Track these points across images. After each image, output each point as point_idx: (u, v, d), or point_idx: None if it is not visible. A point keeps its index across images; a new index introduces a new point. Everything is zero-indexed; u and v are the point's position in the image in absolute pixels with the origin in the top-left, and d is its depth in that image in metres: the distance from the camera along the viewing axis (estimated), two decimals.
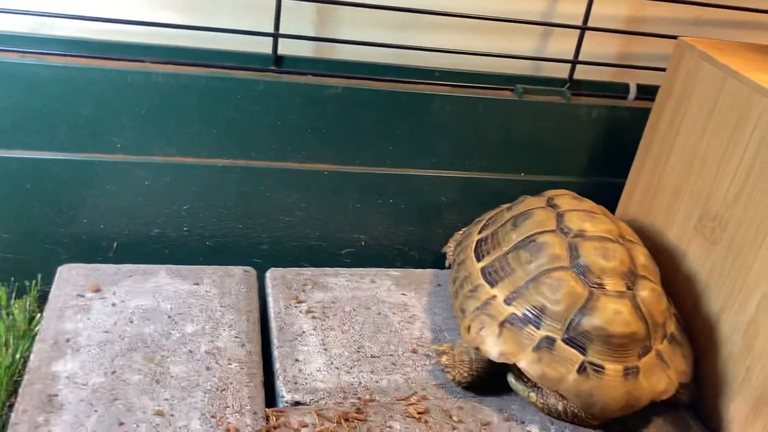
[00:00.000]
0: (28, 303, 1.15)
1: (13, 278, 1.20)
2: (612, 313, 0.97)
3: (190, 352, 1.02)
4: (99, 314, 1.06)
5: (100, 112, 1.15)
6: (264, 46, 1.20)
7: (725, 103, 1.07)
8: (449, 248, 1.33)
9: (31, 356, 0.98)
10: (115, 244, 1.24)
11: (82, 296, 1.09)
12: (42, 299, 1.20)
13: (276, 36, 1.18)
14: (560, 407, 0.99)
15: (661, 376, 1.00)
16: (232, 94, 1.18)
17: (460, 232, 1.32)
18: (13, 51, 1.11)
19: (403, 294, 1.22)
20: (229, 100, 1.19)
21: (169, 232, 1.25)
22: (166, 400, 0.94)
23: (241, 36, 1.18)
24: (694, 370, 1.06)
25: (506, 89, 1.32)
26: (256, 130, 1.22)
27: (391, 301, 1.20)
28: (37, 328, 1.09)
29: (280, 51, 1.20)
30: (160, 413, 0.92)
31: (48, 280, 1.19)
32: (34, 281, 1.19)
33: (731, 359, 1.03)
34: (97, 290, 1.10)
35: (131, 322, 1.06)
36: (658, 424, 1.04)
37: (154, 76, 1.14)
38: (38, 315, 1.13)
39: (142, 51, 1.15)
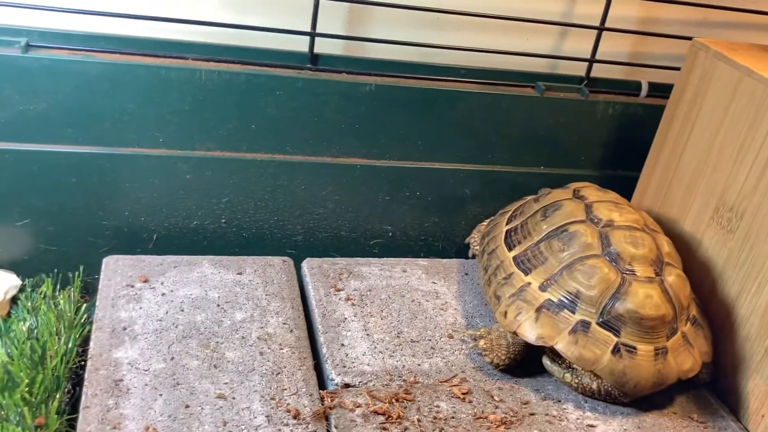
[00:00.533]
0: (72, 293, 1.18)
1: (56, 269, 1.23)
2: (643, 297, 1.04)
3: (243, 338, 1.07)
4: (150, 303, 1.10)
5: (144, 108, 1.18)
6: (298, 44, 1.24)
7: (741, 100, 1.14)
8: (473, 239, 1.38)
9: (91, 344, 1.01)
10: (155, 236, 1.27)
11: (132, 286, 1.13)
12: (85, 290, 1.23)
13: (313, 35, 1.23)
14: (594, 386, 1.05)
15: (687, 356, 1.07)
16: (271, 90, 1.22)
17: (484, 223, 1.38)
18: (62, 48, 1.14)
19: (434, 282, 1.28)
20: (268, 96, 1.23)
21: (208, 224, 1.29)
22: (226, 383, 0.98)
23: (275, 34, 1.22)
24: (714, 351, 1.14)
25: (527, 86, 1.38)
26: (293, 125, 1.26)
27: (424, 289, 1.25)
28: (83, 318, 1.13)
29: (316, 50, 1.25)
30: (221, 396, 0.96)
31: (89, 271, 1.23)
32: (76, 272, 1.22)
33: (749, 340, 1.10)
34: (146, 280, 1.14)
35: (182, 310, 1.10)
36: (681, 401, 1.11)
37: (197, 72, 1.18)
38: (83, 305, 1.16)
39: (185, 48, 1.19)
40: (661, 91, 1.41)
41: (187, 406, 0.94)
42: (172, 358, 1.01)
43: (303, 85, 1.23)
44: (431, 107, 1.31)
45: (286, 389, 0.99)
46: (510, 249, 1.19)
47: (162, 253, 1.23)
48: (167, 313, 1.09)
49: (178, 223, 1.27)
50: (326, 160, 1.30)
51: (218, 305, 1.12)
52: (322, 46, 1.26)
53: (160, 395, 0.95)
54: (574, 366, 1.06)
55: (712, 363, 1.13)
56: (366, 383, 1.04)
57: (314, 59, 1.25)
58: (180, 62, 1.18)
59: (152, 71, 1.17)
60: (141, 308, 1.09)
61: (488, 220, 1.36)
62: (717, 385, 1.15)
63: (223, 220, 1.30)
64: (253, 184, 1.28)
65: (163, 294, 1.12)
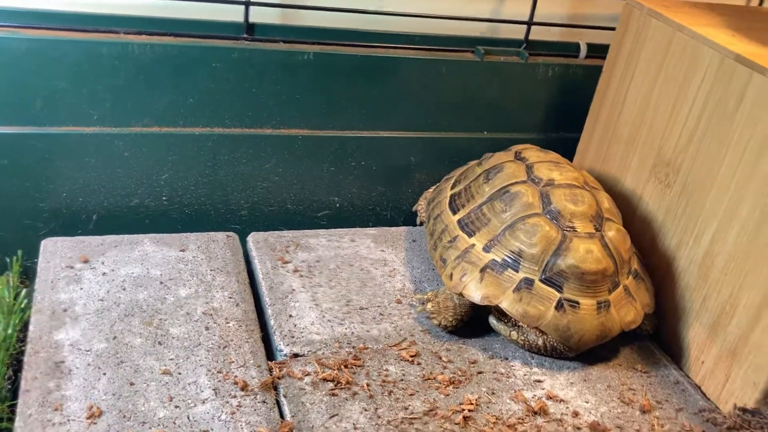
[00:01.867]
0: (10, 279, 1.15)
1: None
2: (584, 253, 1.06)
3: (188, 314, 1.05)
4: (91, 284, 1.08)
5: (76, 85, 1.15)
6: (232, 14, 1.22)
7: (674, 56, 1.16)
8: (420, 206, 1.39)
9: (30, 327, 0.99)
10: (94, 217, 1.25)
11: (72, 267, 1.10)
12: (24, 275, 1.20)
13: (248, 4, 1.20)
14: (540, 342, 1.07)
15: (629, 308, 1.10)
16: (207, 62, 1.20)
17: (430, 190, 1.38)
18: None
19: (382, 251, 1.28)
20: (204, 68, 1.21)
21: (149, 202, 1.27)
22: (171, 359, 0.97)
23: (209, 4, 1.20)
24: (656, 302, 1.16)
25: (467, 51, 1.38)
26: (231, 97, 1.24)
27: (372, 258, 1.25)
28: (23, 303, 1.10)
29: (252, 19, 1.22)
30: (167, 372, 0.95)
31: (28, 255, 1.20)
32: (14, 257, 1.19)
33: (688, 290, 1.13)
34: (86, 261, 1.12)
35: (124, 289, 1.08)
36: (625, 353, 1.14)
37: (130, 46, 1.15)
38: (23, 290, 1.13)
39: (115, 22, 1.16)
40: (600, 51, 1.42)
41: (131, 384, 0.92)
42: (115, 337, 0.99)
43: (239, 56, 1.21)
44: (372, 75, 1.31)
45: (233, 362, 0.99)
46: (454, 213, 1.19)
47: (102, 233, 1.20)
48: (108, 292, 1.07)
49: (117, 202, 1.25)
50: (267, 132, 1.29)
51: (161, 282, 1.10)
52: (258, 16, 1.23)
53: (104, 374, 0.93)
54: (520, 323, 1.08)
55: (654, 314, 1.16)
56: (315, 352, 1.04)
57: (250, 29, 1.23)
58: (111, 36, 1.15)
59: (82, 47, 1.13)
60: (81, 289, 1.06)
61: (434, 187, 1.37)
62: (659, 335, 1.18)
63: (164, 198, 1.27)
64: (193, 159, 1.26)
65: (104, 274, 1.10)
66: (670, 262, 1.17)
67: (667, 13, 1.19)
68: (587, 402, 1.02)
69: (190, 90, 1.21)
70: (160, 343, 1.00)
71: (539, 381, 1.05)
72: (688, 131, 1.13)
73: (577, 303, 1.05)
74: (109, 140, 1.20)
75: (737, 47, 1.07)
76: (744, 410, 1.01)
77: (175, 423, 0.88)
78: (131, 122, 1.20)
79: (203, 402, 0.91)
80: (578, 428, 0.97)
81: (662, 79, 1.19)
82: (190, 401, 0.91)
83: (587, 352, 1.10)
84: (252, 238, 1.25)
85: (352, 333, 1.08)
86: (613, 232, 1.10)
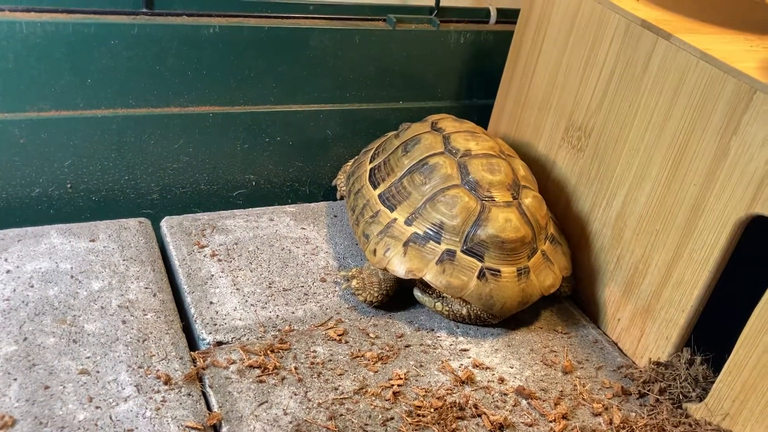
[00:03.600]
0: None
1: None
2: (503, 222, 1.07)
3: (102, 308, 1.01)
4: None
5: None
6: None
7: (583, 22, 1.18)
8: (339, 180, 1.37)
9: None
10: None
11: None
12: None
13: None
14: (464, 311, 1.09)
15: (548, 272, 1.12)
16: (104, 40, 1.13)
17: (349, 163, 1.36)
18: None
19: (303, 228, 1.26)
20: (101, 46, 1.14)
21: (52, 191, 1.19)
22: (88, 358, 0.93)
23: None
24: (573, 265, 1.20)
25: (379, 20, 1.35)
26: (134, 76, 1.18)
27: (293, 236, 1.23)
28: None
29: None
30: (84, 372, 0.91)
31: None
32: None
33: (603, 251, 1.17)
34: None
35: (32, 286, 1.02)
36: (546, 316, 1.17)
37: (17, 25, 1.07)
38: None
39: None
40: (510, 16, 1.43)
41: (46, 387, 0.88)
42: (25, 339, 0.94)
43: (139, 32, 1.15)
44: (282, 47, 1.27)
45: (154, 355, 0.95)
46: (375, 187, 1.18)
47: (2, 226, 1.13)
48: (15, 291, 1.01)
49: (17, 193, 1.17)
50: (174, 111, 1.23)
51: (72, 276, 1.05)
52: None
53: (15, 380, 0.88)
54: (444, 294, 1.09)
55: (571, 276, 1.20)
56: (239, 338, 1.01)
57: (149, 3, 1.16)
58: None
59: None
60: None
61: (353, 160, 1.35)
62: (577, 296, 1.22)
63: (69, 185, 1.20)
64: (97, 143, 1.19)
65: (8, 271, 1.04)
66: (585, 225, 1.20)
67: None
68: (512, 367, 1.04)
69: (88, 70, 1.14)
70: (75, 341, 0.95)
71: (465, 350, 1.06)
72: (598, 95, 1.16)
73: (498, 271, 1.07)
74: (3, 127, 1.12)
75: (642, 13, 1.09)
76: (658, 364, 1.05)
77: (96, 425, 0.84)
78: (25, 107, 1.12)
79: (125, 400, 0.88)
80: (505, 394, 0.99)
81: (572, 44, 1.20)
82: (111, 400, 0.88)
83: (510, 318, 1.12)
84: (166, 223, 1.20)
85: (277, 316, 1.06)
86: (530, 199, 1.12)
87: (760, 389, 0.92)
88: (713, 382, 0.98)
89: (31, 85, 1.11)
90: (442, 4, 1.39)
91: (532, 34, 1.29)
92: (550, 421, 0.96)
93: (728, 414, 0.96)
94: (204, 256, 1.15)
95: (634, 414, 0.99)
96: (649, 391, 1.03)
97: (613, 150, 1.13)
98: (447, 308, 1.09)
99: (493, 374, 1.02)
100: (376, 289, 1.10)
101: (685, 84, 1.00)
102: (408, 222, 1.10)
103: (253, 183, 1.36)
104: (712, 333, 1.03)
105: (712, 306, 1.02)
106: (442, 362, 1.03)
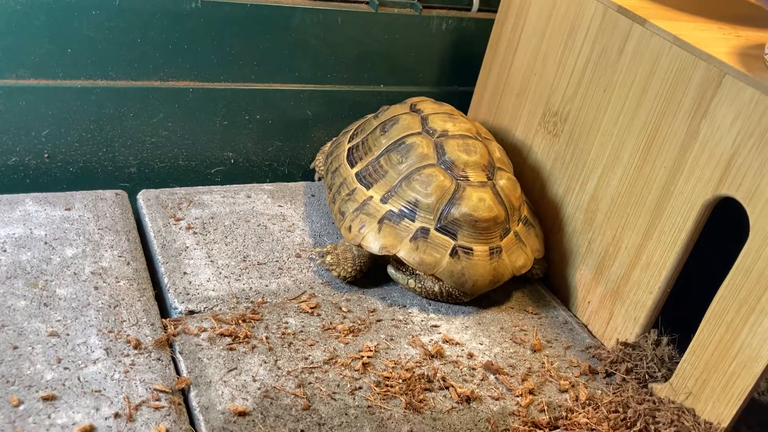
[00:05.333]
0: None
1: None
2: (477, 201, 1.08)
3: (75, 274, 1.01)
4: None
5: None
6: None
7: (561, 8, 1.19)
8: (318, 161, 1.38)
9: None
10: None
11: None
12: None
13: None
14: (436, 288, 1.10)
15: (520, 253, 1.14)
16: (85, 10, 1.13)
17: (327, 145, 1.37)
18: None
19: (280, 206, 1.26)
20: (83, 16, 1.14)
21: (29, 160, 1.19)
22: (59, 321, 0.93)
23: None
24: (545, 248, 1.21)
25: (361, 2, 1.36)
26: (115, 48, 1.18)
27: (270, 213, 1.24)
28: None
29: None
30: (54, 334, 0.91)
31: None
32: None
33: (575, 234, 1.18)
34: None
35: (4, 251, 1.02)
36: (517, 297, 1.18)
37: None
38: None
39: None
40: (492, 4, 1.44)
41: (15, 348, 0.88)
42: None
43: (121, 4, 1.15)
44: (264, 25, 1.27)
45: (125, 321, 0.95)
46: (352, 166, 1.19)
47: None
48: None
49: None
50: (155, 84, 1.23)
51: (45, 243, 1.05)
52: None
53: None
54: (417, 272, 1.10)
55: (544, 259, 1.21)
56: (211, 308, 1.02)
57: None
58: None
59: None
60: None
61: (331, 141, 1.36)
62: (549, 279, 1.23)
63: (46, 155, 1.20)
64: (76, 114, 1.19)
65: None
66: (558, 209, 1.22)
67: None
68: (481, 344, 1.05)
69: (68, 40, 1.14)
70: (45, 304, 0.95)
71: (436, 326, 1.07)
72: (575, 82, 1.17)
73: (471, 249, 1.08)
74: None
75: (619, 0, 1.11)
76: (625, 344, 1.07)
77: (64, 385, 0.84)
78: (4, 74, 1.12)
79: (94, 362, 0.88)
80: (473, 368, 1.00)
81: (550, 30, 1.22)
82: (80, 362, 0.88)
83: (481, 297, 1.13)
84: (142, 196, 1.20)
85: (250, 288, 1.07)
86: (504, 180, 1.13)
87: (721, 368, 0.94)
88: (678, 363, 1.00)
89: (9, 52, 1.11)
90: None
91: (512, 22, 1.30)
92: (517, 396, 0.97)
93: (691, 393, 0.97)
94: (179, 229, 1.15)
95: (599, 392, 1.01)
96: (615, 370, 1.05)
97: (587, 135, 1.15)
98: (419, 285, 1.10)
99: (463, 350, 1.03)
100: (349, 264, 1.11)
101: (658, 68, 1.02)
102: (384, 200, 1.11)
103: (232, 161, 1.36)
104: (679, 314, 1.05)
105: (680, 287, 1.04)
106: (413, 337, 1.04)
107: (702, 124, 0.96)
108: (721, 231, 1.03)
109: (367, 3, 1.36)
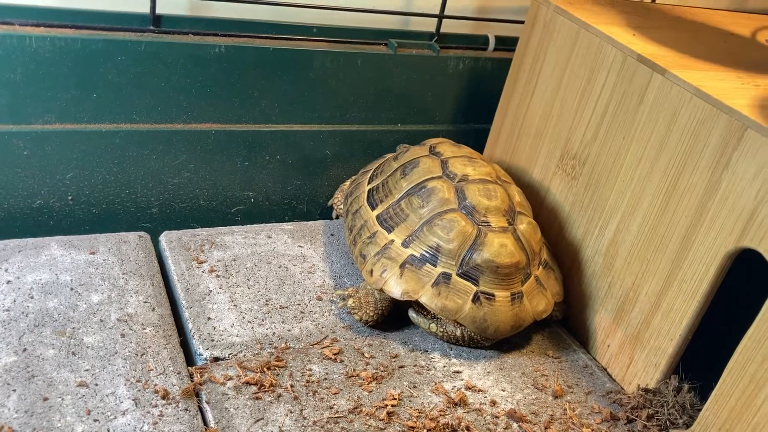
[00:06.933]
0: None
1: None
2: (498, 247, 1.09)
3: (101, 321, 1.02)
4: None
5: None
6: (138, 5, 1.17)
7: (580, 53, 1.21)
8: (336, 200, 1.39)
9: None
10: None
11: None
12: None
13: None
14: (458, 333, 1.10)
15: (541, 298, 1.15)
16: (111, 56, 1.15)
17: (346, 183, 1.38)
18: None
19: (300, 246, 1.28)
20: (108, 62, 1.15)
21: (53, 203, 1.21)
22: (87, 370, 0.94)
23: None
24: (564, 291, 1.22)
25: (380, 44, 1.38)
26: (139, 92, 1.20)
27: (290, 254, 1.25)
28: None
29: (158, 10, 1.18)
30: (83, 384, 0.92)
31: None
32: None
33: (594, 277, 1.19)
34: None
35: (32, 297, 1.03)
36: (537, 340, 1.19)
37: (27, 39, 1.08)
38: None
39: (10, 12, 1.09)
40: (508, 44, 1.46)
41: (45, 399, 0.89)
42: (25, 350, 0.95)
43: (146, 49, 1.16)
44: (285, 68, 1.29)
45: (152, 370, 0.96)
46: (373, 208, 1.20)
47: (4, 237, 1.13)
48: (15, 301, 1.01)
49: (18, 204, 1.18)
50: (177, 127, 1.25)
51: (71, 289, 1.06)
52: (165, 7, 1.19)
53: (14, 391, 0.89)
54: (439, 316, 1.10)
55: (563, 302, 1.22)
56: (236, 355, 1.03)
57: (156, 20, 1.18)
58: (6, 28, 1.08)
59: None
60: None
61: (350, 180, 1.37)
62: (568, 321, 1.24)
63: (70, 197, 1.22)
64: (100, 157, 1.21)
65: (8, 282, 1.04)
66: (577, 252, 1.22)
67: (573, 10, 1.24)
68: (504, 390, 1.06)
69: (94, 85, 1.16)
70: (74, 353, 0.96)
71: (458, 372, 1.08)
72: (594, 126, 1.19)
73: (493, 295, 1.09)
74: (7, 138, 1.13)
75: (638, 47, 1.12)
76: (646, 390, 1.08)
77: None
78: (31, 119, 1.14)
79: (123, 413, 0.89)
80: (496, 417, 1.01)
81: (569, 74, 1.23)
82: (109, 413, 0.88)
83: (502, 341, 1.14)
84: (165, 238, 1.22)
85: (273, 333, 1.08)
86: (525, 225, 1.14)
87: (745, 418, 0.94)
88: (700, 410, 1.00)
89: (38, 97, 1.13)
90: (442, 30, 1.42)
91: (529, 63, 1.32)
92: None
93: None
94: (202, 272, 1.16)
95: None
96: (637, 417, 1.05)
97: (607, 180, 1.16)
98: (441, 330, 1.11)
99: (485, 397, 1.04)
100: (371, 308, 1.12)
101: (678, 118, 1.04)
102: (405, 244, 1.12)
103: (252, 200, 1.38)
104: (699, 361, 1.05)
105: (700, 335, 1.05)
106: (436, 384, 1.04)
107: (723, 176, 0.97)
108: (743, 280, 1.03)
109: (385, 45, 1.38)
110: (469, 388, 1.05)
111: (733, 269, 0.99)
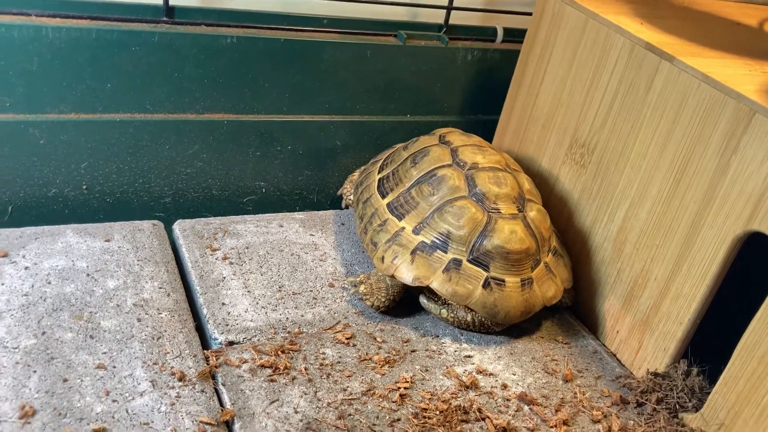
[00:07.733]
0: None
1: None
2: (508, 233, 1.10)
3: (118, 306, 1.03)
4: (13, 279, 1.04)
5: None
6: None
7: (588, 42, 1.22)
8: (345, 189, 1.40)
9: None
10: (10, 208, 1.19)
11: None
12: None
13: None
14: (469, 318, 1.12)
15: (550, 284, 1.16)
16: (126, 46, 1.17)
17: (356, 173, 1.40)
18: None
19: (311, 235, 1.29)
20: (123, 52, 1.17)
21: (68, 192, 1.22)
22: (105, 353, 0.95)
23: None
24: (574, 277, 1.23)
25: (389, 35, 1.39)
26: (152, 82, 1.21)
27: (302, 242, 1.26)
28: None
29: (171, 1, 1.19)
30: (101, 366, 0.93)
31: None
32: None
33: (603, 264, 1.20)
34: (5, 255, 1.07)
35: (49, 283, 1.04)
36: (547, 326, 1.20)
37: (44, 30, 1.10)
38: None
39: (26, 3, 1.10)
40: (516, 36, 1.47)
41: (65, 380, 0.90)
42: (44, 333, 0.96)
43: (160, 40, 1.18)
44: (296, 59, 1.30)
45: (168, 353, 0.98)
46: (383, 196, 1.21)
47: (20, 225, 1.15)
48: (33, 287, 1.03)
49: (35, 192, 1.20)
50: (190, 117, 1.26)
51: (88, 275, 1.08)
52: None
53: (34, 372, 0.90)
54: (449, 302, 1.12)
55: (572, 288, 1.23)
56: (250, 339, 1.04)
57: (170, 12, 1.20)
58: (22, 19, 1.10)
59: None
60: (3, 284, 1.02)
61: (360, 170, 1.38)
62: (578, 308, 1.25)
63: (84, 186, 1.23)
64: (114, 146, 1.22)
65: (26, 267, 1.06)
66: (586, 239, 1.24)
67: (580, 0, 1.25)
68: (514, 374, 1.07)
69: (108, 75, 1.17)
70: (91, 336, 0.97)
71: (469, 356, 1.09)
72: (602, 114, 1.20)
73: (503, 281, 1.10)
74: (24, 128, 1.14)
75: (646, 35, 1.13)
76: (656, 374, 1.09)
77: (114, 417, 0.87)
78: (46, 109, 1.15)
79: (141, 395, 0.90)
80: (507, 399, 1.02)
81: (577, 63, 1.25)
82: (127, 394, 0.90)
83: (512, 327, 1.15)
84: (178, 226, 1.23)
85: (287, 318, 1.09)
86: (534, 212, 1.16)
87: (754, 400, 0.95)
88: (709, 393, 1.01)
89: (53, 87, 1.15)
90: (451, 22, 1.43)
91: (538, 53, 1.33)
92: (551, 427, 0.99)
93: (723, 424, 0.99)
94: (216, 259, 1.18)
95: (632, 422, 1.02)
96: (646, 400, 1.06)
97: (616, 167, 1.17)
98: (452, 315, 1.12)
99: (497, 380, 1.05)
100: (383, 294, 1.13)
101: (686, 105, 1.05)
102: (416, 231, 1.14)
103: (263, 190, 1.39)
104: (708, 345, 1.06)
105: (709, 318, 1.06)
106: (447, 367, 1.06)
107: (732, 161, 0.98)
108: (752, 263, 1.05)
109: (395, 36, 1.39)
110: (480, 372, 1.06)
111: (743, 250, 1.00)
